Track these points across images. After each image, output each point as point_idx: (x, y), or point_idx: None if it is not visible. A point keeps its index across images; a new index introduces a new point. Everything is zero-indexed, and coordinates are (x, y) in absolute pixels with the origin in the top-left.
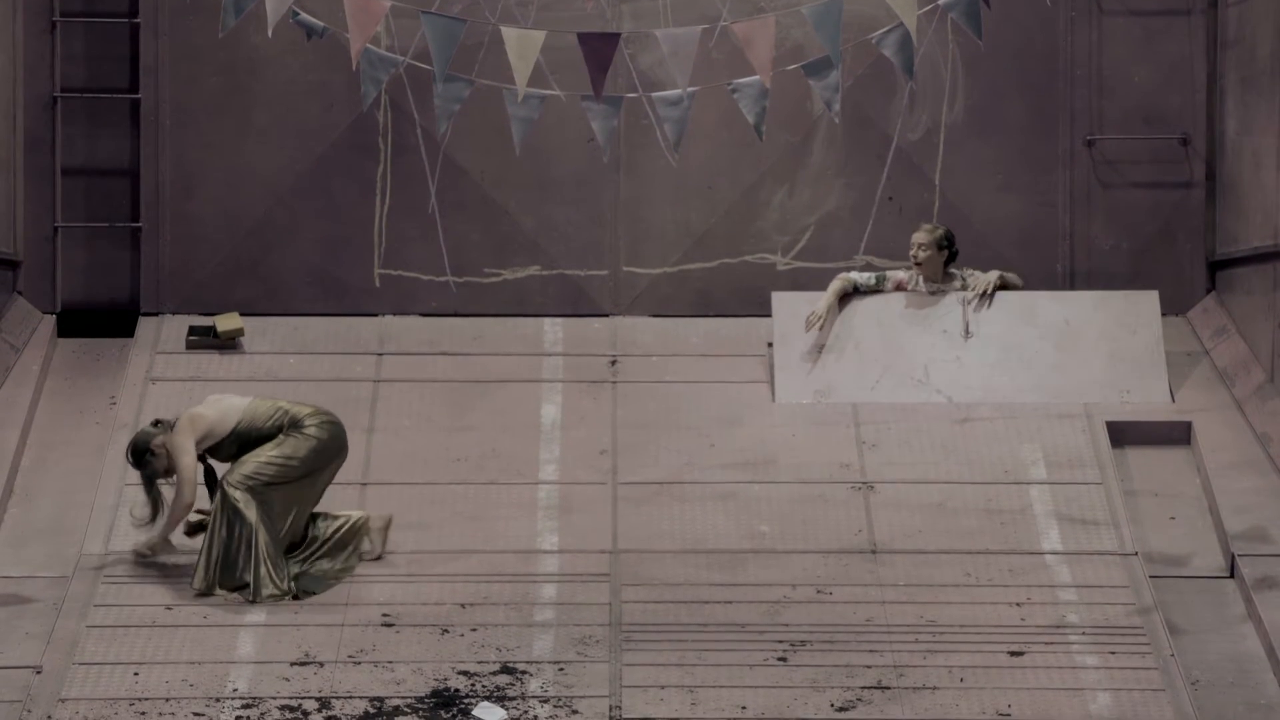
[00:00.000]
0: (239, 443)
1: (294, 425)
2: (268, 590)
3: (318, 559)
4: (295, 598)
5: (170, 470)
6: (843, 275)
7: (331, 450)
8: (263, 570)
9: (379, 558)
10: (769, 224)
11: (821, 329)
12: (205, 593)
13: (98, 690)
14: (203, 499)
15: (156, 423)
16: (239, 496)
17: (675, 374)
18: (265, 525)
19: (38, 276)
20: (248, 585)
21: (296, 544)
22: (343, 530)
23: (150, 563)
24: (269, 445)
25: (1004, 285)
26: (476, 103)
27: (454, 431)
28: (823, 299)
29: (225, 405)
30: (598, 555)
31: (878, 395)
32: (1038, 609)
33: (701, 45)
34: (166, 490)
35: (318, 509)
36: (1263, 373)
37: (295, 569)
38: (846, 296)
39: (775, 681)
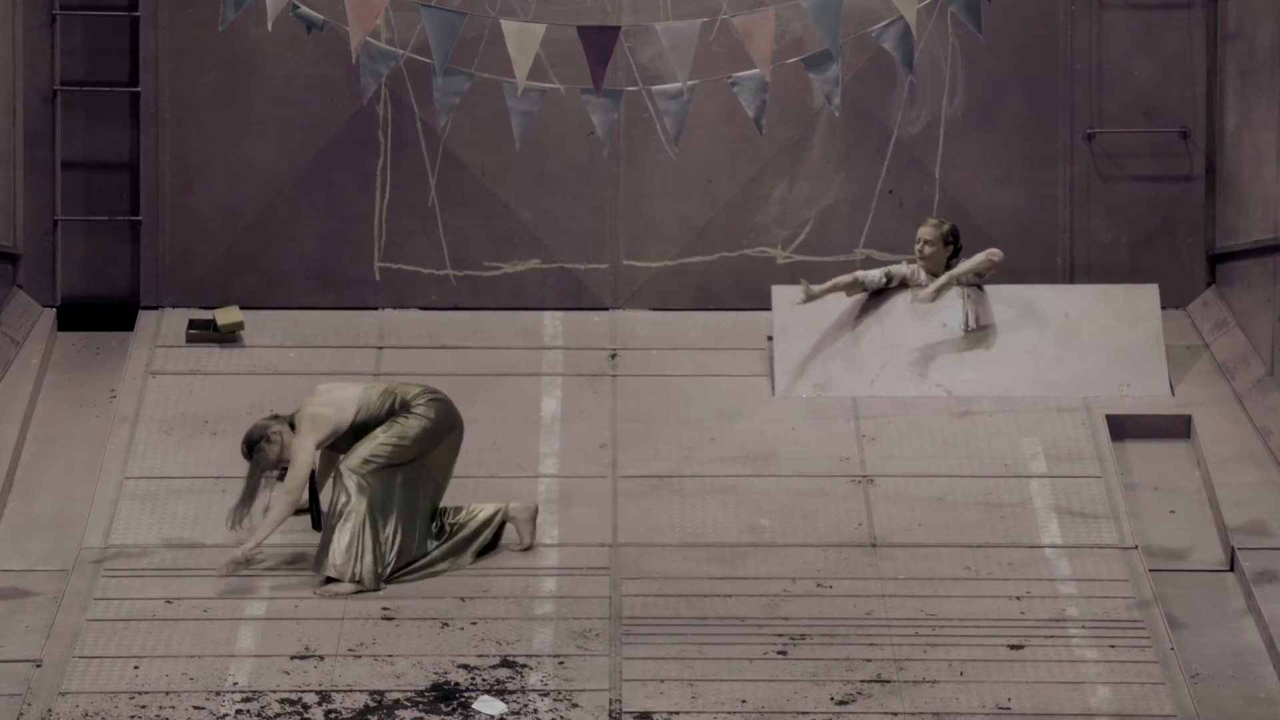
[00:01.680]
0: (356, 433)
1: (404, 407)
2: (345, 577)
3: (453, 554)
4: (376, 589)
5: (279, 461)
6: (857, 273)
7: (444, 427)
8: (356, 554)
9: (528, 548)
10: (769, 218)
11: (808, 299)
12: (344, 579)
13: (98, 684)
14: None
15: (275, 416)
16: (354, 485)
17: (675, 368)
18: (370, 516)
19: (37, 270)
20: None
21: (431, 534)
22: (473, 524)
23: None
24: (380, 429)
25: (978, 273)
26: (476, 96)
27: None
28: (831, 281)
29: (340, 398)
30: (597, 549)
31: (877, 389)
32: (1037, 602)
33: (701, 39)
34: (263, 491)
35: (451, 503)
36: (1262, 366)
37: (436, 559)
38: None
39: (775, 675)
